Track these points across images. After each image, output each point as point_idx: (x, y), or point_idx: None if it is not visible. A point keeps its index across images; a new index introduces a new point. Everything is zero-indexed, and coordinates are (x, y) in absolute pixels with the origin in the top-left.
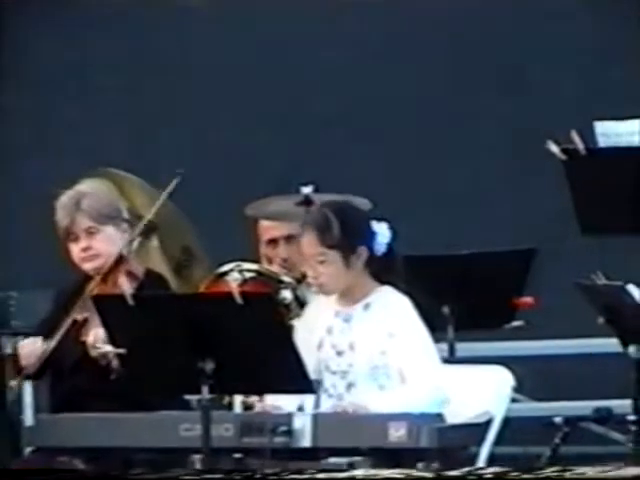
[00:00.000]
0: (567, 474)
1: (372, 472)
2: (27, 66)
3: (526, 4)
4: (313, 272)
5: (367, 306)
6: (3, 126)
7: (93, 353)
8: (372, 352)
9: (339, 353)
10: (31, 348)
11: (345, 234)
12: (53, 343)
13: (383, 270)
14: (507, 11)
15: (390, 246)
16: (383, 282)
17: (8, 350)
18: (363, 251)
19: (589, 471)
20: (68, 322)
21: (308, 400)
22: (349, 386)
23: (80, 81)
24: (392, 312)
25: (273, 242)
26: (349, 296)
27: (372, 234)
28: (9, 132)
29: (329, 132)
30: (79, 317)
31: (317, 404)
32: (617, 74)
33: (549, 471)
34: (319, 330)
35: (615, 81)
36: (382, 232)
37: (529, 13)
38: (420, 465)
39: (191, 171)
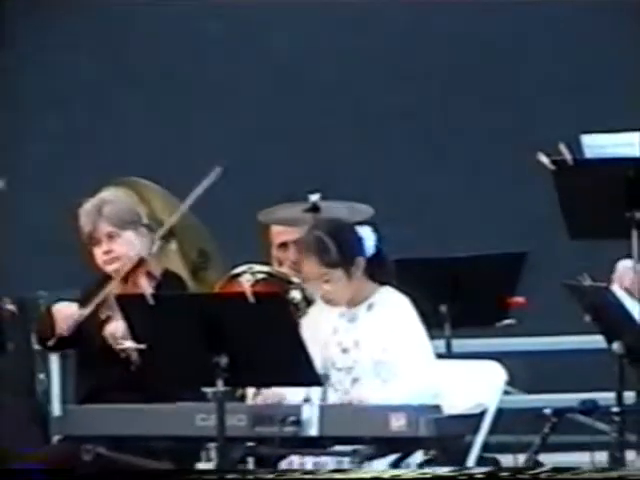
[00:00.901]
0: (559, 475)
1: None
2: (51, 83)
3: (520, 23)
4: (320, 290)
5: (370, 306)
6: (34, 139)
7: (115, 347)
8: (375, 349)
9: (344, 351)
10: (66, 312)
11: (342, 251)
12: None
13: (376, 269)
14: (504, 27)
15: (377, 247)
16: (380, 282)
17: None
18: (361, 261)
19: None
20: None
21: (315, 394)
22: (354, 381)
23: (102, 96)
24: (393, 311)
25: (283, 246)
26: (353, 299)
27: (362, 244)
28: (39, 144)
29: (333, 145)
30: (102, 316)
31: (324, 398)
32: (603, 91)
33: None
34: (325, 330)
35: (600, 97)
36: (367, 235)
37: (523, 30)
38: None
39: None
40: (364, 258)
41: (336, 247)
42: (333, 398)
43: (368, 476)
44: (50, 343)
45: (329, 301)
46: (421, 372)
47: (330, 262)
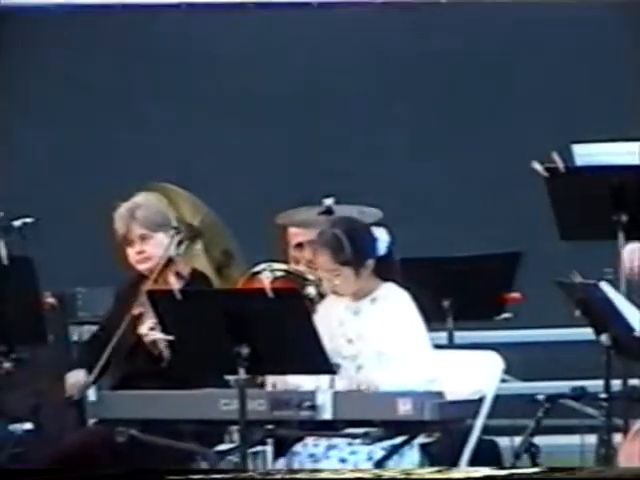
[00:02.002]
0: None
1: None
2: (82, 94)
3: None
4: (328, 282)
5: (373, 300)
6: (71, 148)
7: (146, 340)
8: (378, 340)
9: (349, 341)
10: (75, 379)
11: (355, 251)
12: (115, 339)
13: (384, 269)
14: (501, 40)
15: (389, 248)
16: (385, 279)
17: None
18: (370, 263)
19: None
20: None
21: (324, 380)
22: (358, 368)
23: (131, 106)
24: (395, 305)
25: (300, 246)
26: (358, 293)
27: (376, 246)
28: (76, 154)
29: (345, 153)
30: (135, 311)
31: (332, 384)
32: (594, 102)
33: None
34: (332, 323)
35: (591, 108)
36: (382, 237)
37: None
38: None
39: (231, 186)
40: (374, 260)
41: (351, 247)
42: (339, 384)
43: (352, 476)
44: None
45: (335, 292)
46: (419, 360)
47: (342, 260)
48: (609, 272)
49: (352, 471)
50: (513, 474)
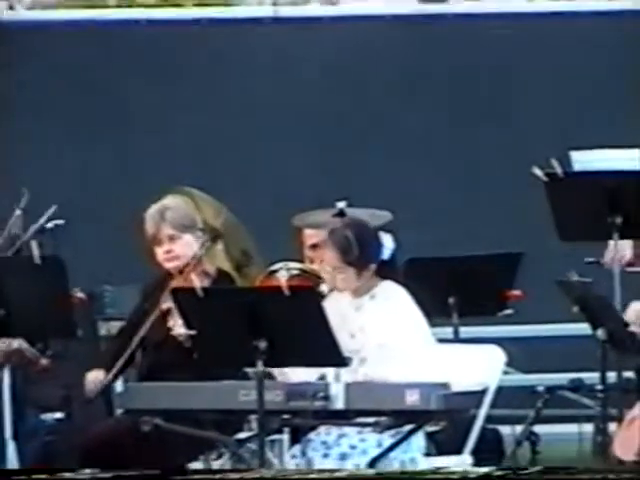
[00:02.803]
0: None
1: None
2: (115, 105)
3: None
4: (331, 278)
5: (373, 297)
6: (100, 156)
7: (173, 334)
8: (378, 333)
9: (352, 336)
10: (94, 378)
11: (361, 254)
12: (141, 333)
13: (387, 271)
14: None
15: (393, 253)
16: (384, 278)
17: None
18: (373, 267)
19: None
20: (155, 314)
21: (330, 372)
22: (361, 361)
23: (157, 117)
24: (393, 301)
25: (314, 246)
26: (358, 290)
27: (380, 250)
28: (104, 161)
29: (357, 159)
30: (163, 307)
31: (337, 376)
32: (590, 113)
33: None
34: (335, 319)
35: (588, 118)
36: (387, 243)
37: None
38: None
39: (250, 191)
40: (377, 264)
41: (358, 250)
42: (345, 377)
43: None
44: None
45: (335, 287)
46: (419, 351)
47: (348, 261)
48: (591, 261)
49: (354, 471)
50: (508, 474)
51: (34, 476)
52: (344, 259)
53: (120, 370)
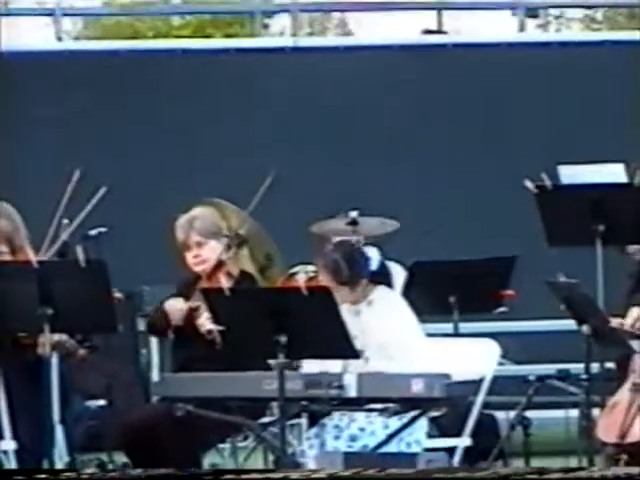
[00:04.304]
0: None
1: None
2: (149, 124)
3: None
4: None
5: (370, 302)
6: (140, 171)
7: (202, 330)
8: (377, 335)
9: (355, 337)
10: (177, 306)
11: (351, 272)
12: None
13: (377, 278)
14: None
15: (381, 262)
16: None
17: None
18: (364, 281)
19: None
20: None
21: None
22: (366, 360)
23: (188, 137)
24: (389, 304)
25: None
26: (355, 298)
27: (368, 266)
28: (143, 175)
29: (370, 172)
30: (193, 305)
31: (346, 370)
32: (576, 131)
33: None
34: None
35: (574, 137)
36: (374, 255)
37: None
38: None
39: (273, 201)
40: (367, 278)
41: (347, 270)
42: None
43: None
44: (170, 333)
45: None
46: (418, 346)
47: (340, 281)
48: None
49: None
50: (510, 475)
51: (35, 476)
52: (336, 279)
53: None
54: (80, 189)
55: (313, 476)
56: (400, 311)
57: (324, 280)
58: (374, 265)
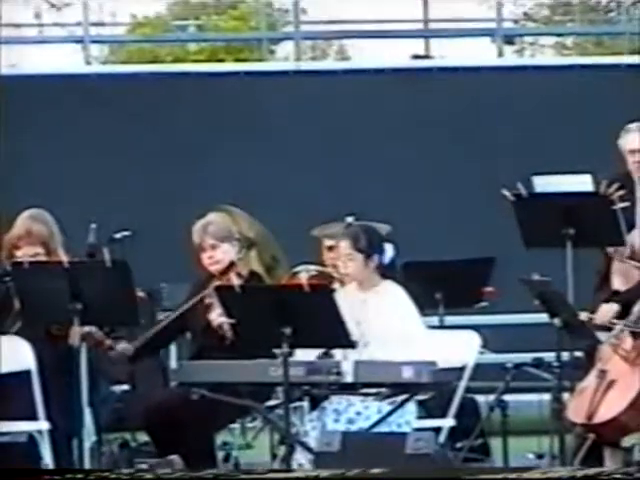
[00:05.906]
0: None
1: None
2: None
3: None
4: (343, 266)
5: (377, 293)
6: (159, 181)
7: (215, 323)
8: (380, 323)
9: (358, 323)
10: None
11: (368, 243)
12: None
13: (387, 272)
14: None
15: (393, 259)
16: (384, 276)
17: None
18: (375, 258)
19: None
20: (196, 301)
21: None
22: (365, 344)
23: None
24: (393, 297)
25: (330, 248)
26: (364, 287)
27: (382, 250)
28: (163, 185)
29: (364, 182)
30: (206, 301)
31: (345, 356)
32: (549, 145)
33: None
34: (344, 309)
35: (547, 150)
36: (389, 250)
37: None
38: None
39: (278, 208)
40: (378, 258)
41: (366, 240)
42: (351, 357)
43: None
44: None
45: (347, 275)
46: (413, 337)
47: (358, 248)
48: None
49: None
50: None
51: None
52: (355, 246)
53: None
54: (111, 196)
55: (313, 475)
56: (403, 304)
57: (344, 248)
58: (387, 258)
